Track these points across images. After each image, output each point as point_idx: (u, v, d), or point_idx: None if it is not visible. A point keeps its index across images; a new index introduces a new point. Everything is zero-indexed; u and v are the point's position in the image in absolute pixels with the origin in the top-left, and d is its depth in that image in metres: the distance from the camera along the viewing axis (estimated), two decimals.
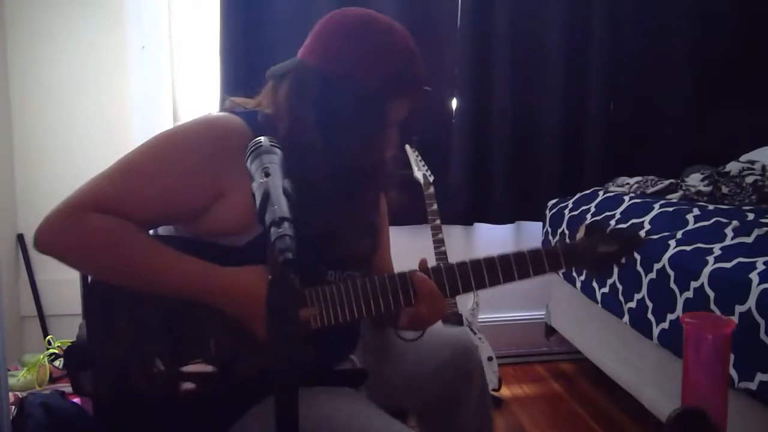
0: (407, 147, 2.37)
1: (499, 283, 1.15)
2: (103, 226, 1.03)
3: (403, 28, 1.17)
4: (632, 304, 1.85)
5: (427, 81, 1.17)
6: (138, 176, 1.07)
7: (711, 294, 1.52)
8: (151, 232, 1.14)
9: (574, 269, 1.20)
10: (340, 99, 1.10)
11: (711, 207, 1.99)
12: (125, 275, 1.06)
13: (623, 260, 1.19)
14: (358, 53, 1.11)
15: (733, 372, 1.41)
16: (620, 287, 1.92)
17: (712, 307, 1.51)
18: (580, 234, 1.19)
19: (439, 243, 2.20)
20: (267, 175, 0.78)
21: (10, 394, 1.76)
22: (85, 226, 1.03)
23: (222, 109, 1.20)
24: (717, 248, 1.63)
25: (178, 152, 1.09)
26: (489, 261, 1.15)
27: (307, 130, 1.10)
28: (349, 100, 1.10)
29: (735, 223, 1.78)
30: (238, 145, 1.07)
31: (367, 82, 1.11)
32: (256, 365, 1.06)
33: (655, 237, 1.84)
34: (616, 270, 1.91)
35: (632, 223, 1.97)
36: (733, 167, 2.24)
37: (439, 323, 2.10)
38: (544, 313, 2.64)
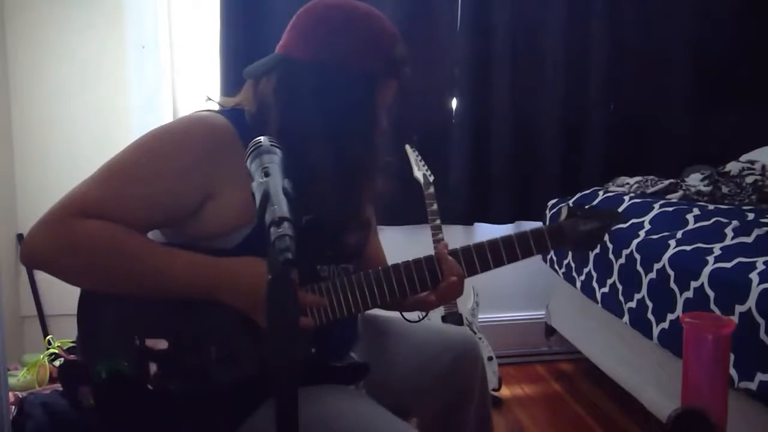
0: (407, 147, 2.37)
1: (489, 269, 1.19)
2: (95, 230, 1.00)
3: (381, 12, 1.18)
4: (632, 304, 1.85)
5: (411, 61, 1.18)
6: (126, 179, 1.05)
7: (711, 294, 1.52)
8: None
9: (561, 248, 1.26)
10: (329, 88, 1.10)
11: (711, 207, 1.99)
12: (123, 279, 1.03)
13: (604, 236, 1.24)
14: (342, 39, 1.11)
15: (733, 372, 1.41)
16: (620, 287, 1.92)
17: (712, 307, 1.51)
18: (563, 215, 1.23)
19: (438, 243, 2.20)
20: (267, 174, 0.78)
21: (10, 394, 1.76)
22: (75, 233, 1.00)
23: (205, 108, 1.18)
24: (717, 248, 1.63)
25: (167, 153, 1.07)
26: (478, 246, 1.18)
27: (296, 121, 1.09)
28: (338, 87, 1.10)
29: (735, 223, 1.78)
30: (226, 144, 1.07)
31: (355, 67, 1.11)
32: (254, 368, 1.06)
33: (655, 237, 1.84)
34: (616, 270, 1.93)
35: (632, 223, 1.97)
36: (733, 167, 2.24)
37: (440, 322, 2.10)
38: (544, 313, 2.64)
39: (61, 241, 1.00)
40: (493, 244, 1.18)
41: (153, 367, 1.06)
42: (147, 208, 1.05)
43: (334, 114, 1.10)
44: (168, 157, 1.06)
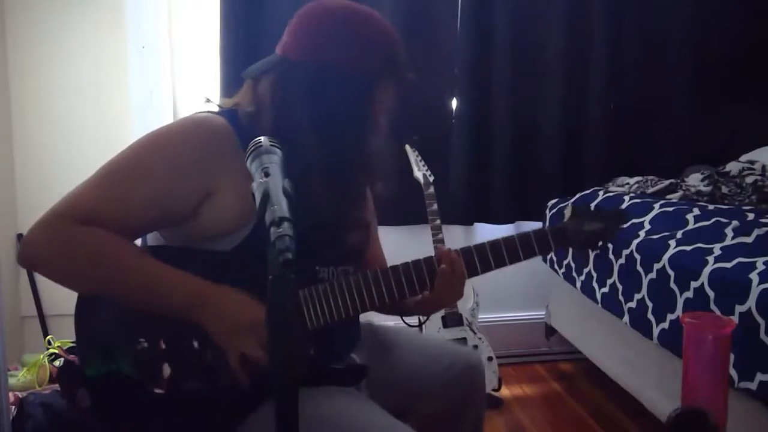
0: (407, 147, 2.37)
1: (490, 269, 1.18)
2: (89, 238, 1.01)
3: (381, 16, 1.18)
4: (632, 304, 1.85)
5: (411, 66, 1.17)
6: (124, 182, 1.05)
7: (711, 294, 1.52)
8: (138, 241, 1.12)
9: (564, 249, 1.24)
10: (326, 89, 1.10)
11: (711, 207, 1.99)
12: (109, 289, 1.04)
13: (608, 238, 1.22)
14: (340, 41, 1.11)
15: (733, 372, 1.41)
16: (620, 287, 1.92)
17: (712, 307, 1.51)
18: (567, 215, 1.22)
19: (439, 243, 2.20)
20: (267, 175, 0.78)
21: (10, 394, 1.76)
22: (70, 239, 1.00)
23: (203, 110, 1.18)
24: (717, 248, 1.63)
25: (165, 154, 1.07)
26: (480, 247, 1.17)
27: (295, 123, 1.09)
28: (335, 88, 1.10)
29: (735, 223, 1.78)
30: (224, 144, 1.07)
31: (352, 68, 1.11)
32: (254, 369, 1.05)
33: (655, 237, 1.84)
34: (616, 270, 1.93)
35: (632, 223, 1.97)
36: (733, 167, 2.24)
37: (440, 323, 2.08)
38: (544, 313, 2.64)
39: (55, 246, 1.01)
40: (494, 244, 1.17)
41: (152, 368, 1.06)
42: (146, 209, 1.05)
43: (328, 115, 1.10)
44: (166, 159, 1.06)
